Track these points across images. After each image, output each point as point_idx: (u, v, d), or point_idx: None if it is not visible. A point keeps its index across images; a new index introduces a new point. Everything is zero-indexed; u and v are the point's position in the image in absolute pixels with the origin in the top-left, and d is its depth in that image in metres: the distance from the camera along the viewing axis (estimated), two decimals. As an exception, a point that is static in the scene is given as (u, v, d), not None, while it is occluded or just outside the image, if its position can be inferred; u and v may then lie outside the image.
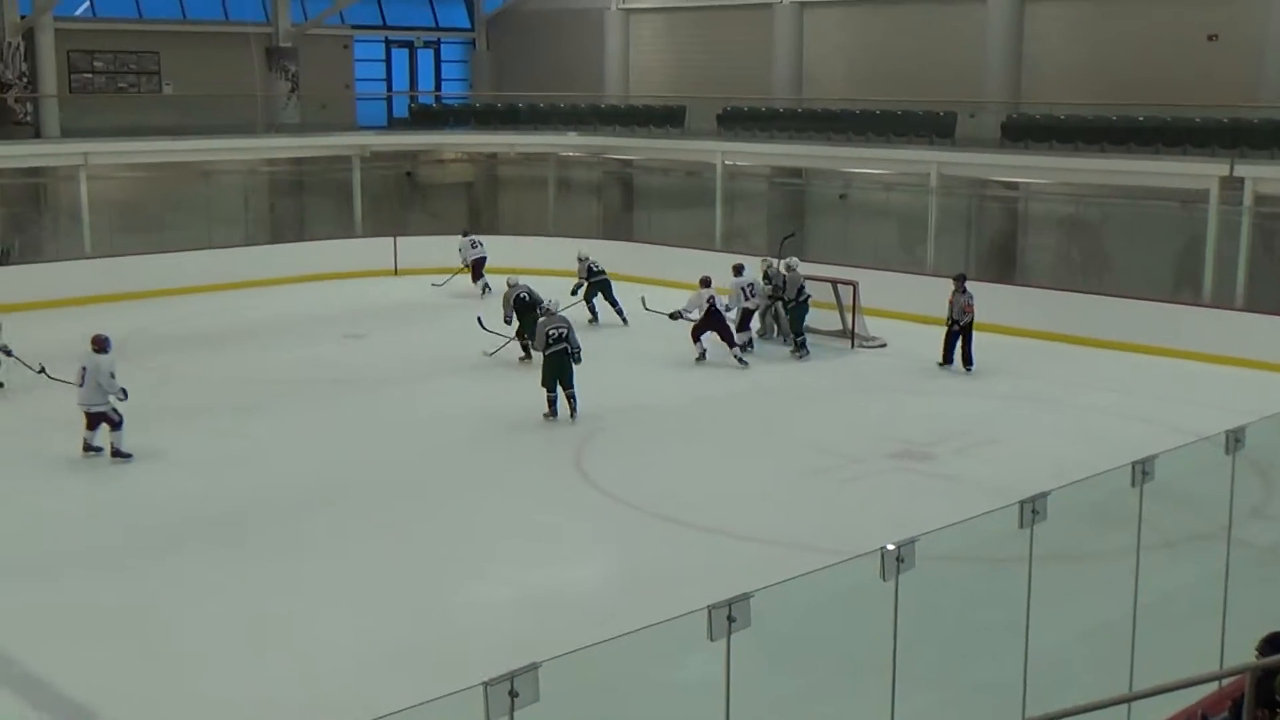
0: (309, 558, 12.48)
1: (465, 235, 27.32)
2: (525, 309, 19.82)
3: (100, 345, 15.48)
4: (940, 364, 20.11)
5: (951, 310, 19.95)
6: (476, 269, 26.45)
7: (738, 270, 21.52)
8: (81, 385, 15.27)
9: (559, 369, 17.10)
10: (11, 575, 12.00)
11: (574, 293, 23.53)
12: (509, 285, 20.59)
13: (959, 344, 19.98)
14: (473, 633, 11.13)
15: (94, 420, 15.46)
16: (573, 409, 17.12)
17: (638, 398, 18.43)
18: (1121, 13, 25.96)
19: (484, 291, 25.68)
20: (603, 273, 24.02)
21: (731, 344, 20.39)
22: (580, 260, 24.25)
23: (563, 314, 17.81)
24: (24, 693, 9.80)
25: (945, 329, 20.11)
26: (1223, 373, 19.96)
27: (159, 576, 12.04)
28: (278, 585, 11.83)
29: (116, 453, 15.38)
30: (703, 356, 20.49)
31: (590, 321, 23.30)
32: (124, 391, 15.38)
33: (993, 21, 26.80)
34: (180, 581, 11.92)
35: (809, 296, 21.22)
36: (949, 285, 20.12)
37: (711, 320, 20.38)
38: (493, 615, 11.73)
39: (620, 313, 23.59)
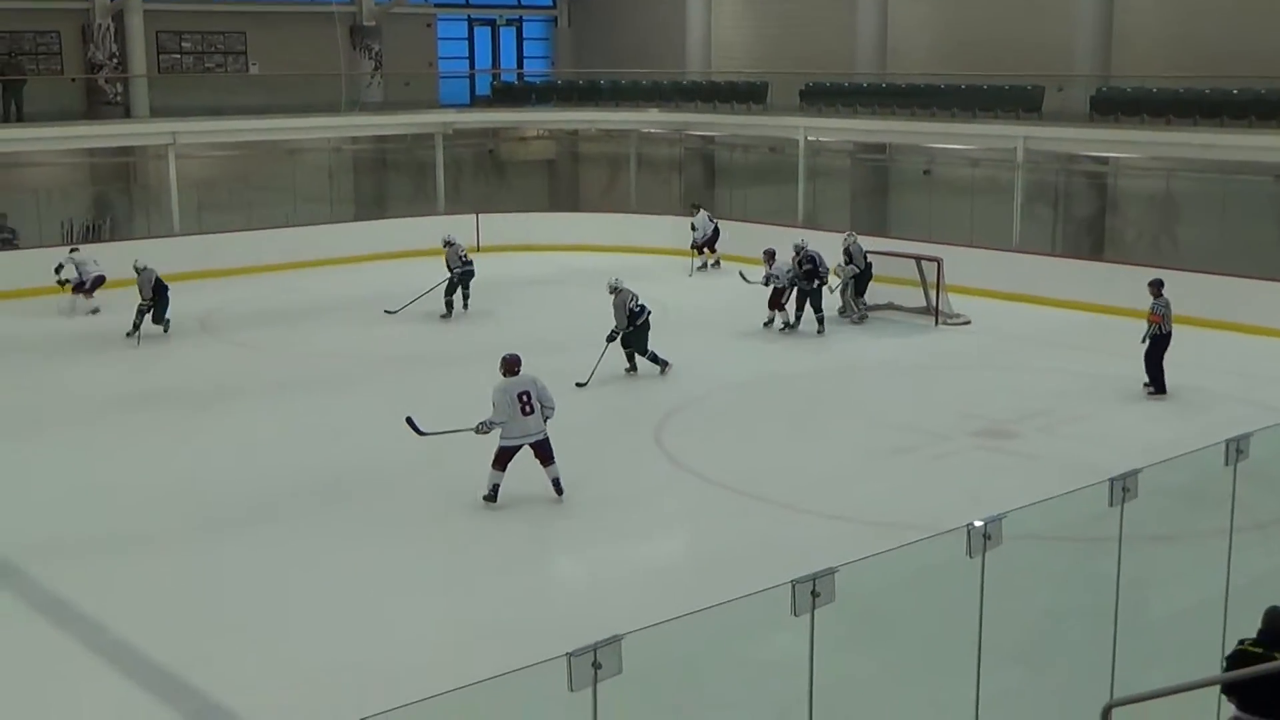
0: (394, 532, 12.59)
1: (72, 251, 23.68)
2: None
3: (518, 363, 13.00)
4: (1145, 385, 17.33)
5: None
6: (91, 286, 22.99)
7: (770, 256, 21.32)
8: (529, 412, 12.70)
9: (643, 336, 18.07)
10: (105, 546, 12.25)
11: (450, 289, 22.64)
12: (614, 289, 18.36)
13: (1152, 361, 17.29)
14: (556, 605, 11.20)
15: (544, 451, 12.90)
16: (634, 366, 18.21)
17: (717, 374, 18.37)
18: (1215, -18, 25.39)
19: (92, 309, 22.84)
20: (471, 263, 22.82)
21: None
22: (450, 245, 22.69)
23: (627, 287, 18.27)
24: (115, 659, 9.99)
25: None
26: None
27: (246, 549, 12.21)
28: (364, 559, 11.94)
29: (560, 486, 13.01)
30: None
31: (443, 317, 22.49)
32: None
33: (1082, -8, 26.31)
34: (267, 553, 12.09)
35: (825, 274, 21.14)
36: (1036, 262, 19.69)
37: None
38: (575, 588, 11.80)
39: (465, 304, 22.81)
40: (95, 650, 10.15)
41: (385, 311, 22.48)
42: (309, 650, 10.16)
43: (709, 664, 6.68)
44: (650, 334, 18.24)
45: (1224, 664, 7.46)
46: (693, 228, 27.47)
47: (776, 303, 21.29)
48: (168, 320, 20.88)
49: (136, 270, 20.82)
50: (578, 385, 17.37)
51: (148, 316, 20.59)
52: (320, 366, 19.31)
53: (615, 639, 5.27)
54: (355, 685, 9.52)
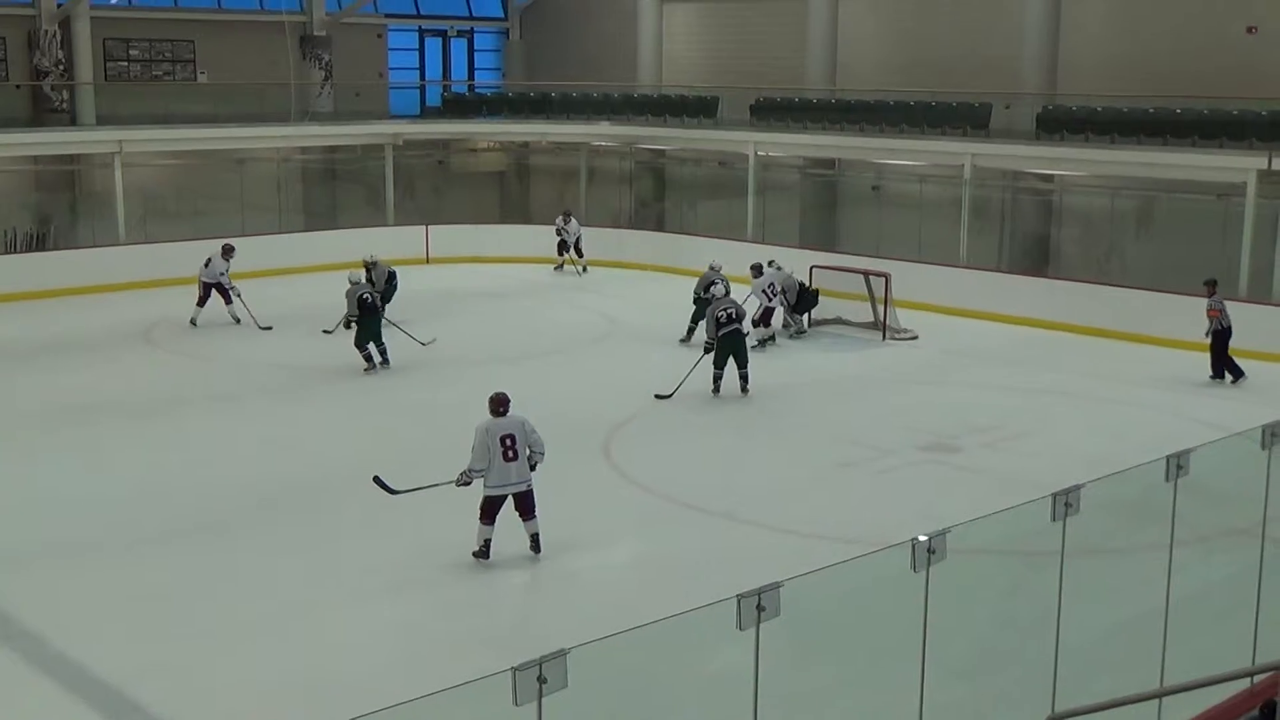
0: (340, 543, 12.52)
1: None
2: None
3: (506, 403, 11.81)
4: (1227, 380, 18.96)
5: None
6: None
7: (757, 270, 21.34)
8: (512, 458, 11.59)
9: (732, 349, 17.63)
10: (46, 559, 12.10)
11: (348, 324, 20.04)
12: (707, 287, 18.58)
13: (1221, 354, 18.97)
14: (501, 618, 11.17)
15: (525, 504, 11.83)
16: (744, 387, 17.76)
17: (665, 387, 18.39)
18: (1159, 4, 25.75)
19: None
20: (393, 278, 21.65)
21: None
22: (356, 283, 19.67)
23: (730, 296, 18.21)
24: (56, 674, 9.87)
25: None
26: (1259, 368, 19.78)
27: (194, 561, 12.10)
28: (310, 571, 11.88)
29: (539, 543, 12.01)
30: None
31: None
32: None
33: (1029, 12, 26.60)
34: (215, 566, 11.99)
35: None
36: (983, 278, 19.92)
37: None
38: (520, 602, 11.77)
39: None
40: (36, 664, 10.02)
41: (323, 331, 21.65)
42: (254, 663, 10.08)
43: (654, 678, 6.68)
44: (738, 350, 17.67)
45: None
46: (558, 232, 28.33)
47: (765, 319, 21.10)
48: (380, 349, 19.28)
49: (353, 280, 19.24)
50: (658, 397, 17.45)
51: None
52: (267, 377, 19.19)
53: (560, 653, 5.26)
54: (301, 698, 9.47)
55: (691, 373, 17.66)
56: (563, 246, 28.40)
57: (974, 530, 7.39)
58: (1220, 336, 18.95)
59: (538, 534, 11.94)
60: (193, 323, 22.23)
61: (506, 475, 11.61)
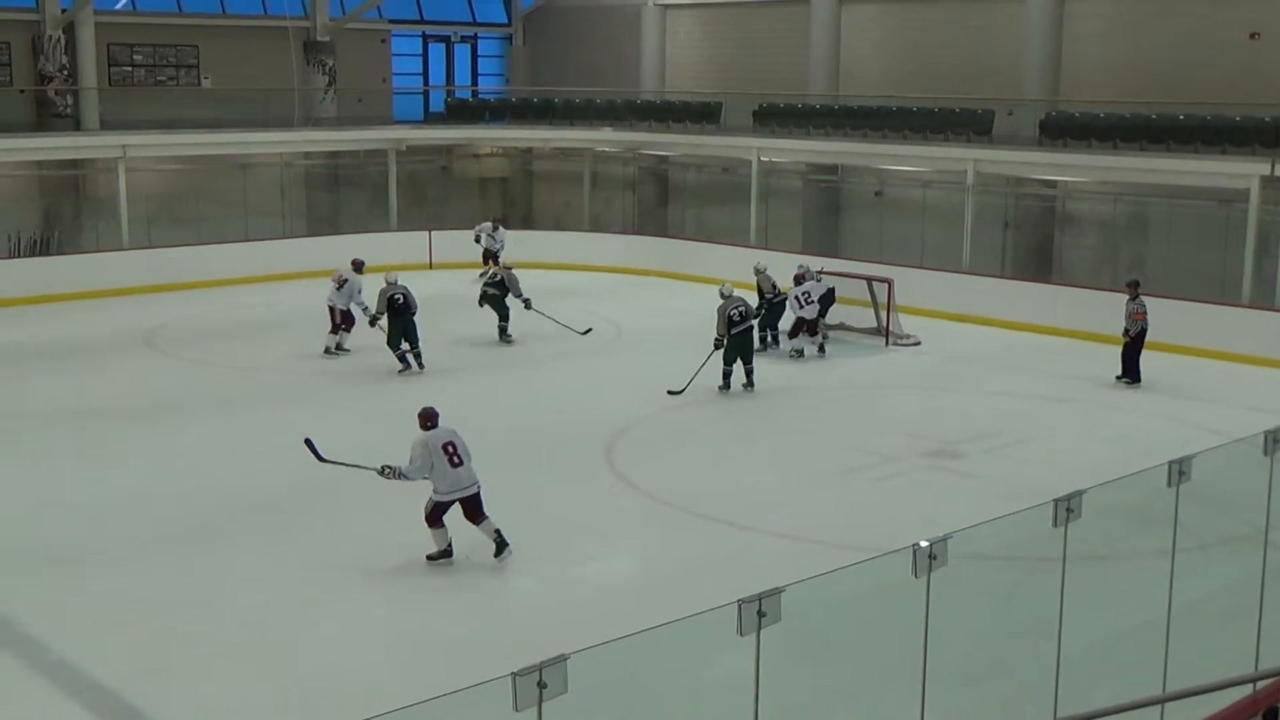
0: (340, 549, 12.51)
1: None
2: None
3: (435, 416, 11.92)
4: (1118, 377, 19.10)
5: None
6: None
7: (799, 280, 20.86)
8: (459, 463, 11.68)
9: (742, 347, 18.25)
10: (46, 563, 12.09)
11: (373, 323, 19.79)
12: (723, 296, 18.47)
13: (1133, 355, 19.10)
14: (501, 624, 11.16)
15: (474, 507, 11.85)
16: (749, 381, 18.34)
17: (676, 386, 18.38)
18: (1162, 10, 25.74)
19: None
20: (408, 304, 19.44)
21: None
22: (390, 283, 19.55)
23: (739, 295, 18.59)
24: (57, 679, 9.87)
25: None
26: (1261, 374, 19.80)
27: (194, 565, 12.10)
28: (313, 576, 11.87)
29: (502, 543, 11.95)
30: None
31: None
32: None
33: (1032, 18, 26.64)
34: (216, 571, 11.98)
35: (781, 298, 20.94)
36: (985, 283, 19.94)
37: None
38: (521, 607, 11.75)
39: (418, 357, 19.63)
40: (36, 668, 10.01)
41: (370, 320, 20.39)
42: (253, 668, 10.08)
43: (655, 684, 6.68)
44: (745, 348, 18.29)
45: None
46: (477, 239, 27.86)
47: (810, 329, 20.82)
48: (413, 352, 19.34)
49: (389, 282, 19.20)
50: (670, 393, 17.86)
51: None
52: (269, 382, 19.20)
53: (561, 658, 5.26)
54: (300, 703, 9.47)
55: (702, 368, 18.07)
56: (487, 256, 27.41)
57: (976, 536, 7.39)
58: (1140, 338, 19.02)
59: (499, 529, 11.87)
60: (329, 351, 20.48)
61: (458, 480, 11.67)
